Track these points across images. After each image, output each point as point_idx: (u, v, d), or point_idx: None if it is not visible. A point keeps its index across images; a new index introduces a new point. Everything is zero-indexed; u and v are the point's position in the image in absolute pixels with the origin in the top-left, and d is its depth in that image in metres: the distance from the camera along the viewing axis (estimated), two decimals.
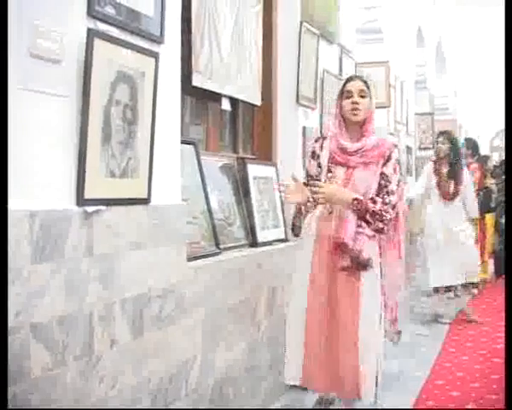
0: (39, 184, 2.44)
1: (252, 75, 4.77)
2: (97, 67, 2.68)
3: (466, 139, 9.55)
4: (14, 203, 2.24)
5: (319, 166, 3.81)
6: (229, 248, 4.24)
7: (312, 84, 5.53)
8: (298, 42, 5.24)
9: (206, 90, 4.17)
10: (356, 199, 3.60)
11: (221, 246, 4.09)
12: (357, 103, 3.70)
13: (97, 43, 2.67)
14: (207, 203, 4.07)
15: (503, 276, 9.29)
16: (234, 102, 4.67)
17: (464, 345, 6.01)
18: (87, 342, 2.67)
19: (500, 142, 21.13)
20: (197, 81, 4.00)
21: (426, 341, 6.18)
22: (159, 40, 3.18)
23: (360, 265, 3.61)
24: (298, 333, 3.79)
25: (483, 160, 9.31)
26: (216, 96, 4.40)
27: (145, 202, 3.09)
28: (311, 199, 3.67)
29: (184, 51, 3.63)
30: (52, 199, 2.50)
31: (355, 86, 3.75)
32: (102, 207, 2.76)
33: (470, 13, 15.21)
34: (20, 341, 2.30)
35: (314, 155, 3.87)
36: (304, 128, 5.38)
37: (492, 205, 8.92)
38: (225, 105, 4.46)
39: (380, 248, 3.80)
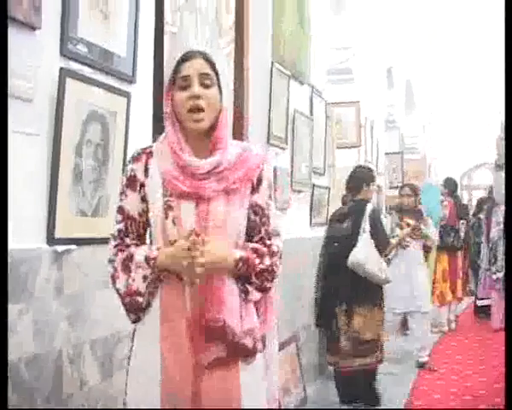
0: (10, 223, 2.42)
1: None
2: (69, 106, 2.69)
3: (446, 179, 9.79)
4: None
5: (144, 200, 2.31)
6: None
7: (283, 124, 5.58)
8: (269, 82, 5.29)
9: None
10: (241, 259, 2.24)
11: None
12: (197, 97, 2.24)
13: (69, 82, 2.69)
14: None
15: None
16: None
17: (435, 383, 6.02)
18: (56, 384, 2.64)
19: (468, 181, 21.48)
20: None
21: (395, 380, 6.14)
22: (131, 80, 3.20)
23: (248, 351, 2.26)
24: None
25: (456, 198, 9.45)
26: None
27: None
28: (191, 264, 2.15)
29: (156, 91, 3.64)
30: (22, 238, 2.49)
31: (194, 68, 2.26)
32: (73, 247, 2.74)
33: (441, 46, 15.39)
34: None
35: (134, 184, 2.32)
36: (275, 168, 5.40)
37: (453, 241, 8.95)
38: None
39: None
